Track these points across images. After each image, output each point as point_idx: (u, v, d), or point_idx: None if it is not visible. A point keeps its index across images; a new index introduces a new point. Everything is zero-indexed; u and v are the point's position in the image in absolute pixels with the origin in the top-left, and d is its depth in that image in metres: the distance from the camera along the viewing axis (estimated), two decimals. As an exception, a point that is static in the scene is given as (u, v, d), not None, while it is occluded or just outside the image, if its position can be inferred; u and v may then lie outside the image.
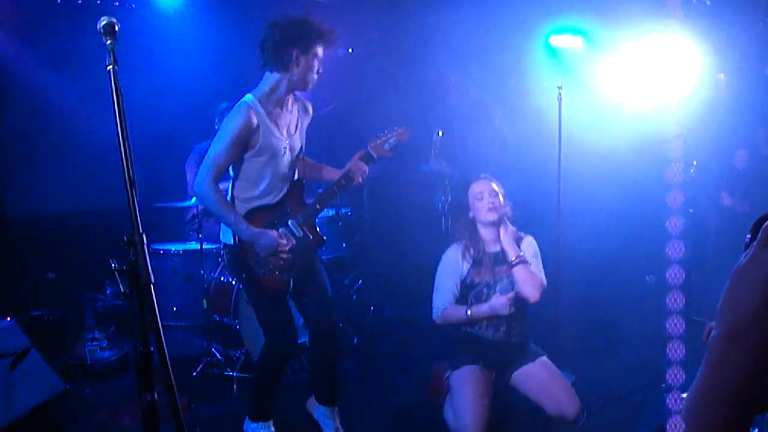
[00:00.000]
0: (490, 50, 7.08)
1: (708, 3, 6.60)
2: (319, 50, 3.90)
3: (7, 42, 6.15)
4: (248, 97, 3.89)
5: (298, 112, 4.11)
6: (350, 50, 8.81)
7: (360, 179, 4.20)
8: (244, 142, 3.84)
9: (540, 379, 4.05)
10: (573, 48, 7.37)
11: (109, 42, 2.27)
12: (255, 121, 3.82)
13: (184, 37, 6.82)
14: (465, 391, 3.95)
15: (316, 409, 4.38)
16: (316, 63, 3.90)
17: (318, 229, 4.23)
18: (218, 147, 3.82)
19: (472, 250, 4.17)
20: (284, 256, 3.98)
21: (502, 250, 4.16)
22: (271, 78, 3.92)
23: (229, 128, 3.82)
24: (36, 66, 6.37)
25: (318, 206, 4.12)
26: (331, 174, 4.30)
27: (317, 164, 4.40)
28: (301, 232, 4.07)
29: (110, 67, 2.25)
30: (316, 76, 3.96)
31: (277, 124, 3.93)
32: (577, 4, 7.12)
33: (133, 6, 6.60)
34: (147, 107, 6.56)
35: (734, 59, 7.26)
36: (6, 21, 6.04)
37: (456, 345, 4.22)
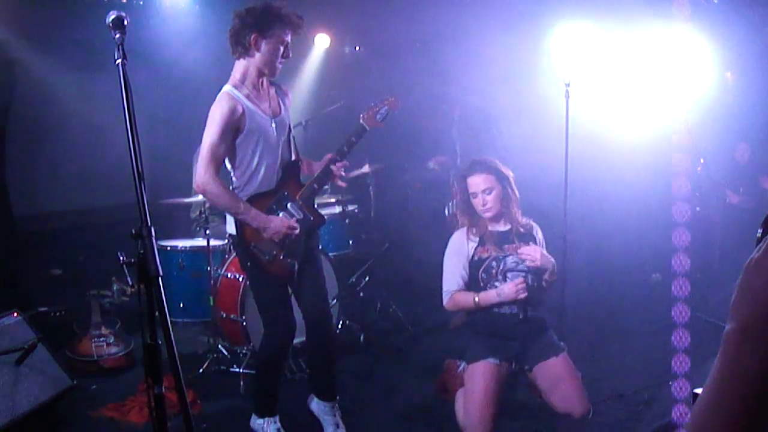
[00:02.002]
0: (497, 47, 7.08)
1: (716, 1, 6.58)
2: (282, 35, 3.90)
3: (15, 39, 6.17)
4: (225, 87, 3.95)
5: (277, 94, 4.13)
6: (357, 48, 8.83)
7: (339, 179, 4.22)
8: (234, 128, 3.87)
9: (558, 375, 4.00)
10: (580, 46, 7.36)
11: (118, 36, 2.27)
12: (237, 104, 3.86)
13: (192, 33, 6.83)
14: (477, 388, 3.92)
15: (317, 405, 4.37)
16: (280, 48, 3.91)
17: (316, 207, 4.22)
18: (210, 139, 3.83)
19: (475, 230, 4.13)
20: (296, 236, 3.99)
21: (509, 230, 4.13)
22: (239, 65, 3.98)
23: (215, 117, 3.84)
24: (44, 62, 6.39)
25: (316, 186, 4.12)
26: (315, 168, 4.28)
27: (306, 160, 4.40)
28: (302, 214, 4.08)
29: (119, 61, 2.25)
30: (281, 61, 3.98)
31: (258, 105, 3.96)
32: (584, 3, 7.11)
33: (141, 3, 6.60)
34: (155, 103, 6.59)
35: (742, 58, 7.25)
36: (13, 18, 6.06)
37: (476, 328, 4.14)
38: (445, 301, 4.13)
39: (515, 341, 4.03)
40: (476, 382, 3.95)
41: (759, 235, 1.20)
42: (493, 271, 4.04)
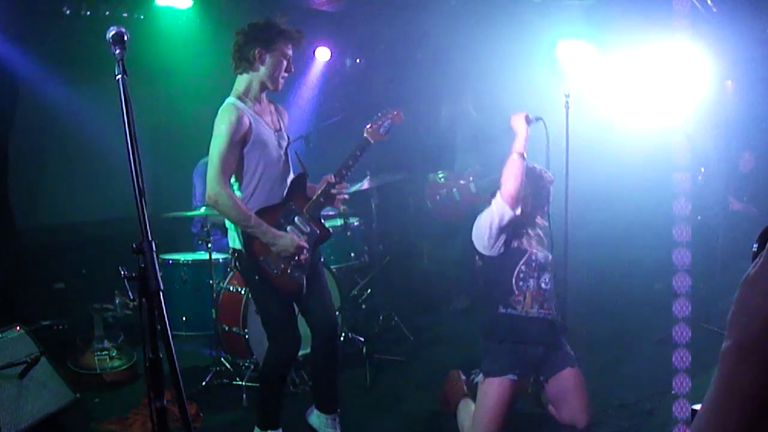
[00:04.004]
0: (497, 59, 7.10)
1: (714, 10, 6.59)
2: (285, 49, 3.99)
3: (17, 53, 6.19)
4: (229, 99, 3.99)
5: (276, 111, 4.20)
6: (357, 60, 8.85)
7: (340, 202, 4.29)
8: (242, 138, 3.91)
9: (570, 386, 4.04)
10: (580, 56, 7.38)
11: (118, 51, 2.29)
12: (244, 115, 3.90)
13: (192, 48, 6.85)
14: (490, 402, 3.93)
15: (317, 417, 4.37)
16: (284, 62, 4.00)
17: (323, 221, 4.25)
18: (220, 149, 3.85)
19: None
20: (304, 255, 4.00)
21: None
22: (242, 79, 4.03)
23: (223, 128, 3.86)
24: (45, 77, 6.41)
25: (322, 200, 4.14)
26: (315, 189, 4.28)
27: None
28: (309, 228, 4.10)
29: (119, 76, 2.26)
30: (284, 75, 4.05)
31: (262, 117, 4.02)
32: (583, 13, 7.13)
33: (142, 17, 6.63)
34: (156, 118, 6.61)
35: (742, 66, 7.25)
36: (15, 33, 6.08)
37: (499, 336, 4.14)
38: (501, 199, 4.11)
39: (540, 347, 4.04)
40: (491, 397, 3.95)
41: (755, 249, 1.20)
42: (534, 264, 4.15)
